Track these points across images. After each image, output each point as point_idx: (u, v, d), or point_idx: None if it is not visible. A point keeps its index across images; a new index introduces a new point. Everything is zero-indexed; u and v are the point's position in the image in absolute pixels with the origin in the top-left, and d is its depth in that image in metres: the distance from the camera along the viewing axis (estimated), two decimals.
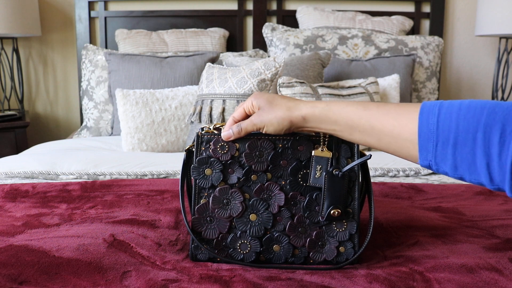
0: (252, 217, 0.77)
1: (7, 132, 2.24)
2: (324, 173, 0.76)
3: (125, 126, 1.76)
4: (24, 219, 0.95)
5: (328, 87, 1.75)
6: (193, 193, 0.78)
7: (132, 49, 2.29)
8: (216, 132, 0.78)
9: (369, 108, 0.71)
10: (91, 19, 2.49)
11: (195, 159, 0.78)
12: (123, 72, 2.06)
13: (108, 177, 1.40)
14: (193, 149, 0.79)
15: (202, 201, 0.78)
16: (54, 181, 1.32)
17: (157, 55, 2.16)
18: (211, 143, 0.78)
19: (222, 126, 0.79)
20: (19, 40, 2.55)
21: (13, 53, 2.44)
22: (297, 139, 0.77)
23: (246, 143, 0.77)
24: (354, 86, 1.78)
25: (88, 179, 1.40)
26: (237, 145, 0.78)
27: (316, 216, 0.77)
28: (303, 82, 1.73)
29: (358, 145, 0.77)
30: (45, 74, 2.62)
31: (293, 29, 2.34)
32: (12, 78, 2.47)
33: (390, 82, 1.92)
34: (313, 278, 0.70)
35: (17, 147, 2.26)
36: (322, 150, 0.76)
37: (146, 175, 1.41)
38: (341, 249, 0.77)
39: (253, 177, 0.77)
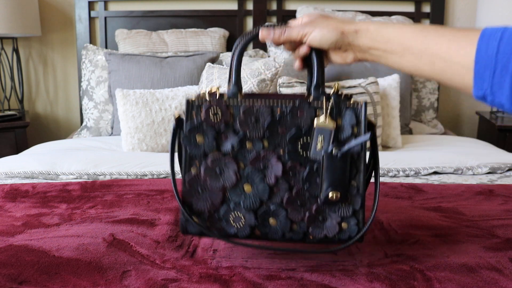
0: (247, 188, 0.72)
1: (7, 132, 2.24)
2: (323, 150, 0.70)
3: (125, 126, 1.76)
4: (24, 219, 0.95)
5: (328, 87, 1.75)
6: (183, 162, 0.73)
7: (132, 49, 2.29)
8: (208, 98, 0.73)
9: (426, 30, 0.65)
10: (91, 19, 2.49)
11: (186, 126, 0.73)
12: (123, 72, 2.06)
13: (108, 177, 1.40)
14: (183, 117, 0.74)
15: (193, 171, 0.72)
16: (54, 181, 1.32)
17: (157, 55, 2.16)
18: (203, 108, 0.72)
19: (217, 90, 0.74)
20: (19, 40, 2.55)
21: (13, 53, 2.44)
22: (297, 105, 0.71)
23: (241, 109, 0.72)
24: (354, 86, 1.78)
25: (88, 179, 1.40)
26: (232, 110, 0.72)
27: (316, 189, 0.71)
28: (303, 82, 1.73)
29: (365, 110, 0.70)
30: (45, 74, 2.62)
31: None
32: (12, 78, 2.47)
33: (390, 82, 1.91)
34: (313, 277, 0.70)
35: (17, 147, 2.26)
36: (324, 120, 0.70)
37: (146, 175, 1.41)
38: (344, 225, 0.71)
39: (248, 145, 0.71)
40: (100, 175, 1.41)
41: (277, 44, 0.74)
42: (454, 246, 0.81)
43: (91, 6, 2.48)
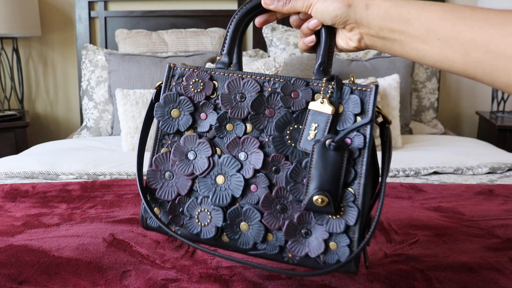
0: (219, 179, 0.60)
1: (7, 132, 2.24)
2: (314, 140, 0.56)
3: (125, 126, 1.76)
4: (24, 219, 0.95)
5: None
6: (154, 139, 0.63)
7: (132, 49, 2.29)
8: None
9: (459, 10, 0.51)
10: (91, 19, 2.49)
11: (162, 96, 0.63)
12: (123, 72, 2.06)
13: (108, 177, 1.40)
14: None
15: (163, 150, 0.63)
16: (54, 181, 1.32)
17: (157, 55, 2.16)
18: (184, 77, 0.63)
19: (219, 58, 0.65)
20: (19, 40, 2.55)
21: (13, 53, 2.44)
22: (292, 83, 0.59)
23: (226, 82, 0.61)
24: None
25: (88, 179, 1.40)
26: (215, 83, 0.62)
27: (302, 192, 0.57)
28: None
29: (374, 97, 0.56)
30: (45, 74, 2.62)
31: (293, 29, 2.34)
32: (12, 78, 2.47)
33: (390, 82, 1.91)
34: (314, 277, 0.70)
35: (17, 147, 2.26)
36: (322, 103, 0.57)
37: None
38: (332, 245, 0.56)
39: (228, 126, 0.61)
40: (100, 175, 1.41)
41: (282, 15, 0.64)
42: (454, 246, 0.81)
43: (91, 6, 2.48)
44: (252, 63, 1.84)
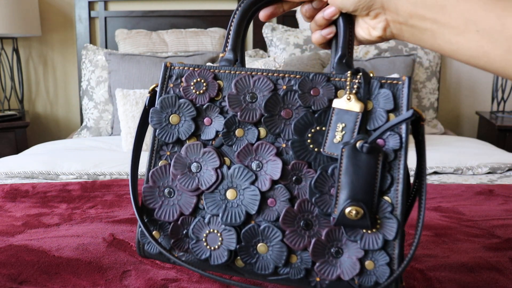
0: (230, 194, 0.52)
1: (7, 132, 2.24)
2: (343, 143, 0.48)
3: (125, 126, 1.76)
4: (24, 219, 0.95)
5: None
6: (150, 150, 0.55)
7: (132, 49, 2.29)
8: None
9: None
10: (91, 19, 2.49)
11: (158, 99, 0.55)
12: (123, 72, 2.06)
13: (108, 177, 1.40)
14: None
15: (161, 163, 0.55)
16: (54, 181, 1.32)
17: (157, 55, 2.16)
18: (183, 78, 0.55)
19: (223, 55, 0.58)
20: (19, 40, 2.55)
21: (13, 53, 2.44)
22: (311, 79, 0.52)
23: (233, 81, 0.53)
24: None
25: (88, 179, 1.40)
26: (221, 83, 0.54)
27: (330, 204, 0.49)
28: None
29: (408, 90, 0.49)
30: (45, 74, 2.62)
31: (293, 29, 2.34)
32: (12, 78, 2.47)
33: None
34: None
35: (17, 147, 2.26)
36: (349, 100, 0.49)
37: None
38: (368, 264, 0.48)
39: (238, 131, 0.53)
40: (100, 175, 1.41)
41: (290, 6, 0.58)
42: (454, 246, 0.81)
43: (91, 6, 2.48)
44: (252, 63, 1.84)
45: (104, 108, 2.15)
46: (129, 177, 0.57)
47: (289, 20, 2.50)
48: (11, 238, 0.83)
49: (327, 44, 0.57)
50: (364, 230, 0.48)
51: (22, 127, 2.28)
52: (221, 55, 0.57)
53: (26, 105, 2.63)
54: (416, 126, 0.52)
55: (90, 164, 1.45)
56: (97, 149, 1.79)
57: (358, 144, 0.47)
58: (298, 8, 2.11)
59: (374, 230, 0.48)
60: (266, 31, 2.34)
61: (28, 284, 0.66)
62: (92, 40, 2.50)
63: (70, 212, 1.01)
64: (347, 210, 0.47)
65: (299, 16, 2.43)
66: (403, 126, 0.48)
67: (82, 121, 2.43)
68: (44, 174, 1.40)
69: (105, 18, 2.47)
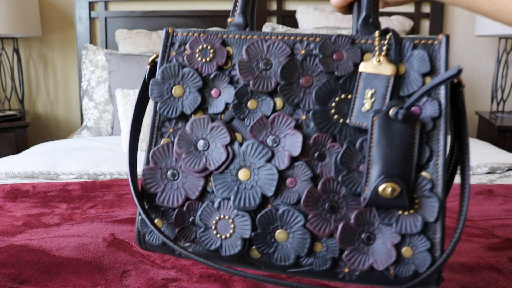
0: (243, 174, 0.45)
1: (7, 132, 2.24)
2: (373, 111, 0.42)
3: (125, 126, 1.76)
4: (24, 219, 0.95)
5: None
6: (150, 127, 0.49)
7: (132, 49, 2.29)
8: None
9: None
10: (91, 19, 2.49)
11: (159, 70, 0.50)
12: (123, 72, 2.06)
13: (108, 177, 1.40)
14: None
15: (163, 141, 0.49)
16: (54, 181, 1.32)
17: None
18: (187, 45, 0.49)
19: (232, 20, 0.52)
20: (20, 40, 2.55)
21: (13, 53, 2.44)
22: (333, 41, 0.45)
23: (244, 46, 0.47)
24: None
25: (88, 179, 1.40)
26: (230, 49, 0.48)
27: (359, 182, 0.43)
28: None
29: (446, 52, 0.43)
30: (45, 74, 2.62)
31: (293, 29, 2.34)
32: (12, 78, 2.47)
33: None
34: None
35: (17, 147, 2.26)
36: (378, 62, 0.43)
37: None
38: (406, 251, 0.42)
39: (250, 103, 0.46)
40: (100, 175, 1.41)
41: None
42: None
43: (91, 6, 2.48)
44: None
45: (104, 108, 2.15)
46: (127, 159, 0.50)
47: (289, 20, 2.50)
48: (12, 238, 0.84)
49: (348, 8, 0.51)
50: (400, 212, 0.42)
51: (22, 127, 2.28)
52: (229, 20, 0.51)
53: (26, 105, 2.63)
54: (455, 93, 0.46)
55: (90, 164, 1.45)
56: (97, 149, 1.80)
57: (391, 111, 0.41)
58: (298, 9, 2.11)
59: (411, 211, 0.41)
60: (266, 31, 2.34)
61: (29, 284, 0.66)
62: (92, 40, 2.50)
63: (71, 212, 1.01)
64: (381, 187, 0.40)
65: (300, 16, 2.44)
66: (442, 92, 0.42)
67: (82, 121, 2.43)
68: (45, 174, 1.40)
69: (105, 18, 2.47)
